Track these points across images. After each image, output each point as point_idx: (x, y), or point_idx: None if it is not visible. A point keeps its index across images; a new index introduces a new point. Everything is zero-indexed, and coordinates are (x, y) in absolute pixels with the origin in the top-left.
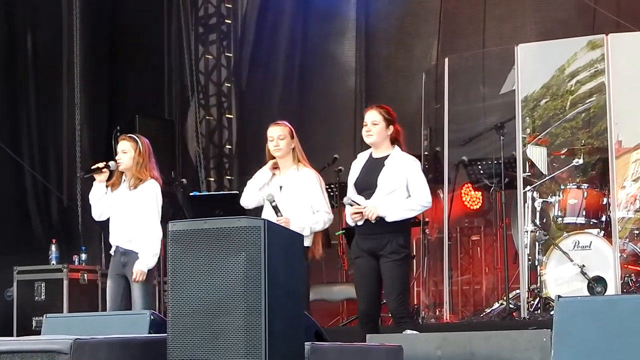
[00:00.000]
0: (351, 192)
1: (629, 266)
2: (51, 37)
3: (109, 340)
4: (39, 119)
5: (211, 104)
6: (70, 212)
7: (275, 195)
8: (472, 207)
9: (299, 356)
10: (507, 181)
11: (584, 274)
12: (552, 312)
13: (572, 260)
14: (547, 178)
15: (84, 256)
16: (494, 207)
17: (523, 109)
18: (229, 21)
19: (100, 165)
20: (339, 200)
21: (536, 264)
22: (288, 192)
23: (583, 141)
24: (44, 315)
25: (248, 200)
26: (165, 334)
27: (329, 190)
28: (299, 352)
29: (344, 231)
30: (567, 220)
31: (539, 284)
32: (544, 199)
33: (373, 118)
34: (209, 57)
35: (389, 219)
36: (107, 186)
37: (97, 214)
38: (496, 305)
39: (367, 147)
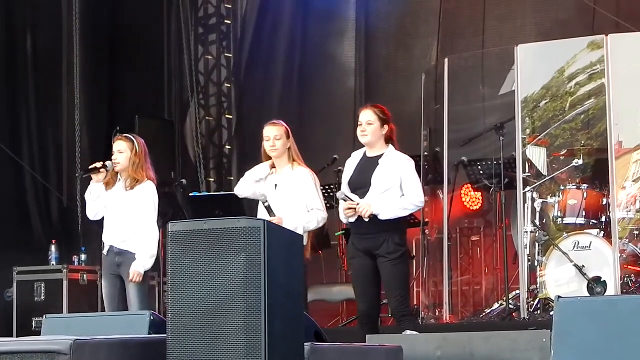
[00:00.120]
0: (345, 189)
1: (629, 267)
2: (51, 37)
3: (108, 341)
4: (39, 119)
5: (211, 105)
6: (70, 212)
7: (271, 193)
8: (472, 208)
9: (298, 357)
10: (506, 182)
11: (583, 274)
12: (552, 313)
13: (572, 261)
14: (547, 179)
15: (83, 257)
16: (494, 208)
17: (523, 109)
18: (229, 22)
19: (98, 165)
20: (338, 201)
21: (536, 264)
22: (283, 191)
23: (583, 142)
24: (44, 316)
25: (242, 189)
26: (165, 335)
27: (329, 190)
28: (298, 353)
29: (343, 232)
30: (567, 220)
31: (538, 285)
32: (544, 200)
33: (368, 118)
34: (209, 57)
35: (382, 217)
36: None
37: (93, 214)
38: (496, 305)
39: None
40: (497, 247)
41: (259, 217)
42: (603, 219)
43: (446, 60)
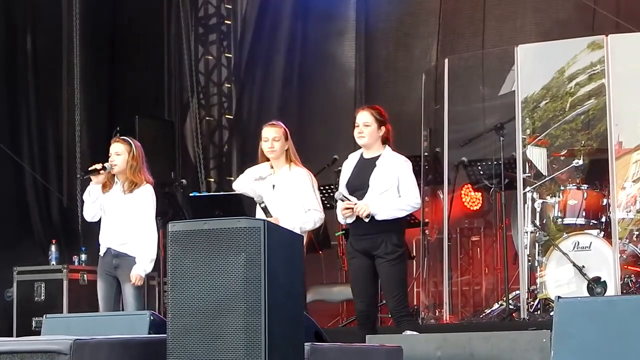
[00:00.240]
0: (343, 190)
1: (629, 267)
2: (51, 37)
3: (108, 341)
4: (39, 119)
5: (211, 104)
6: (70, 212)
7: (268, 194)
8: (472, 208)
9: (298, 357)
10: (506, 182)
11: (583, 274)
12: (551, 313)
13: (572, 261)
14: (547, 179)
15: (83, 256)
16: (494, 208)
17: (523, 110)
18: (229, 22)
19: (98, 166)
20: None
21: (536, 264)
22: (280, 192)
23: (583, 142)
24: (44, 316)
25: (240, 185)
26: (165, 335)
27: (329, 190)
28: (298, 353)
29: (343, 232)
30: (566, 221)
31: (538, 285)
32: (544, 200)
33: (365, 119)
34: (209, 57)
35: (378, 217)
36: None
37: (90, 215)
38: (496, 306)
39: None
40: (497, 247)
41: (256, 216)
42: (603, 219)
43: (446, 61)
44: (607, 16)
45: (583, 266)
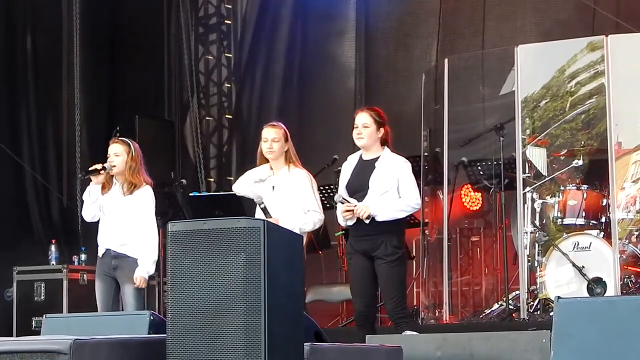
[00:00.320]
0: (343, 192)
1: (629, 267)
2: (51, 37)
3: (108, 341)
4: (39, 119)
5: (211, 104)
6: (70, 212)
7: (268, 195)
8: (471, 208)
9: (298, 357)
10: (506, 182)
11: (583, 275)
12: (551, 313)
13: (571, 262)
14: (546, 179)
15: (83, 256)
16: (494, 208)
17: (523, 110)
18: (229, 21)
19: (98, 167)
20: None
21: (536, 265)
22: (280, 193)
23: (583, 142)
24: (44, 316)
25: (240, 187)
26: (165, 335)
27: (329, 191)
28: (298, 353)
29: (343, 232)
30: (566, 221)
31: (538, 285)
32: (544, 200)
33: (364, 121)
34: (209, 57)
35: (379, 218)
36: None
37: (90, 216)
38: (496, 306)
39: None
40: (496, 247)
41: (255, 217)
42: (603, 220)
43: (446, 61)
44: (607, 16)
45: (583, 266)
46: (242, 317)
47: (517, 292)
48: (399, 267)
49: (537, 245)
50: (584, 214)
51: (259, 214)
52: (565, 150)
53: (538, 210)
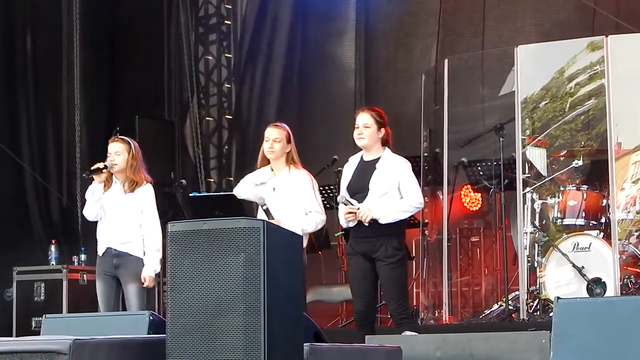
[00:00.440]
0: (345, 193)
1: (628, 268)
2: (51, 37)
3: (108, 341)
4: (39, 119)
5: (211, 105)
6: (70, 212)
7: (269, 196)
8: (471, 209)
9: (298, 357)
10: (506, 182)
11: (583, 275)
12: (551, 314)
13: (571, 262)
14: (546, 179)
15: (83, 257)
16: (494, 209)
17: (522, 110)
18: (229, 22)
19: (101, 165)
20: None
21: (535, 265)
22: (280, 194)
23: (582, 143)
24: (44, 316)
25: (242, 190)
26: (165, 335)
27: (329, 191)
28: (298, 353)
29: (343, 232)
30: (566, 221)
31: (538, 286)
32: (544, 201)
33: (365, 121)
34: (209, 57)
35: (382, 220)
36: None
37: (93, 214)
38: (495, 306)
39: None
40: (496, 248)
41: (257, 218)
42: (602, 220)
43: (446, 61)
44: (607, 17)
45: (582, 267)
46: (241, 317)
47: (517, 292)
48: (400, 269)
49: (536, 245)
50: (583, 215)
51: (261, 215)
52: (565, 151)
53: (538, 210)
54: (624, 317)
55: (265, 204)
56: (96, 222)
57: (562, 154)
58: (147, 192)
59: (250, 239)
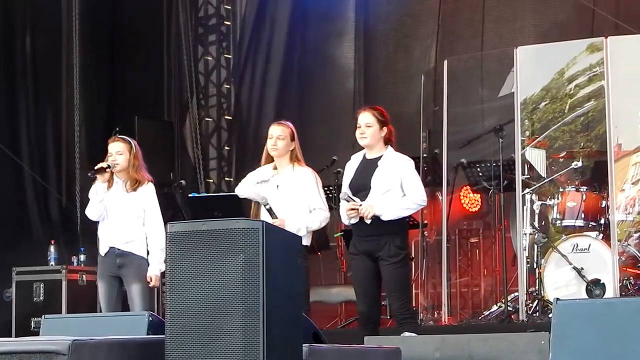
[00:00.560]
0: (347, 190)
1: (628, 269)
2: (50, 37)
3: (107, 341)
4: (38, 119)
5: (210, 105)
6: (70, 212)
7: (272, 194)
8: (470, 210)
9: (297, 358)
10: (505, 183)
11: (582, 276)
12: (550, 315)
13: (570, 263)
14: (546, 181)
15: (82, 257)
16: (493, 210)
17: (522, 111)
18: (229, 22)
19: (104, 165)
20: (337, 202)
21: (535, 266)
22: (284, 192)
23: (582, 144)
24: (43, 316)
25: (243, 189)
26: (164, 336)
27: (328, 192)
28: (297, 354)
29: (342, 233)
30: (565, 223)
31: (537, 287)
32: (543, 202)
33: (367, 120)
34: (209, 58)
35: (384, 217)
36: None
37: (97, 215)
38: (495, 307)
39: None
40: (495, 249)
41: (261, 219)
42: (602, 221)
43: (445, 62)
44: (607, 17)
45: (582, 268)
46: (240, 318)
47: (516, 293)
48: (403, 268)
49: (536, 246)
50: (583, 216)
51: (264, 215)
52: (565, 152)
53: (537, 211)
54: (623, 319)
55: (268, 204)
56: (95, 223)
57: (561, 155)
58: (149, 191)
59: (249, 239)
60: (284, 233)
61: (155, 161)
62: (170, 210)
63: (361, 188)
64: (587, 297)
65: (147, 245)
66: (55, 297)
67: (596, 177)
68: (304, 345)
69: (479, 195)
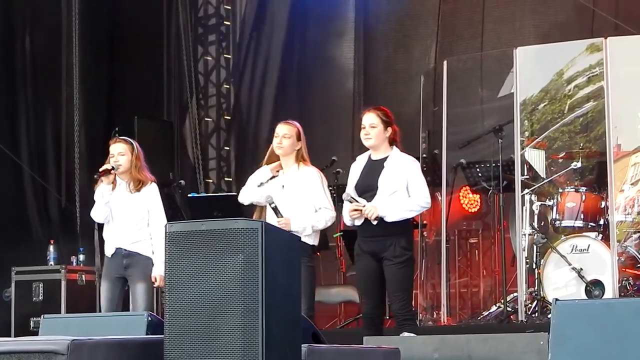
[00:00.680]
0: (351, 191)
1: (627, 270)
2: (50, 37)
3: (106, 341)
4: (38, 119)
5: (210, 105)
6: (69, 212)
7: (278, 194)
8: (470, 210)
9: (296, 358)
10: (505, 184)
11: (581, 277)
12: (549, 316)
13: (569, 264)
14: (545, 181)
15: (82, 257)
16: (492, 210)
17: (521, 112)
18: (228, 22)
19: (108, 166)
20: (337, 202)
21: (534, 267)
22: (290, 191)
23: (581, 145)
24: (42, 316)
25: (246, 196)
26: (163, 336)
27: None
28: (296, 354)
29: (341, 233)
30: (565, 223)
31: (536, 287)
32: (542, 202)
33: (371, 121)
34: (208, 58)
35: (388, 219)
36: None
37: (103, 217)
38: (494, 308)
39: (365, 149)
40: (495, 249)
41: (267, 218)
42: (601, 222)
43: (445, 62)
44: (606, 18)
45: (581, 269)
46: (239, 317)
47: (515, 294)
48: (407, 269)
49: (535, 247)
50: (582, 216)
51: (270, 215)
52: (564, 153)
53: (536, 212)
54: (623, 319)
55: (273, 202)
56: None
57: (560, 155)
58: (153, 191)
59: (248, 239)
60: (283, 233)
61: (154, 161)
62: (170, 210)
63: (368, 189)
64: (586, 297)
65: (152, 246)
66: (54, 297)
67: (595, 178)
68: (303, 345)
69: (478, 196)
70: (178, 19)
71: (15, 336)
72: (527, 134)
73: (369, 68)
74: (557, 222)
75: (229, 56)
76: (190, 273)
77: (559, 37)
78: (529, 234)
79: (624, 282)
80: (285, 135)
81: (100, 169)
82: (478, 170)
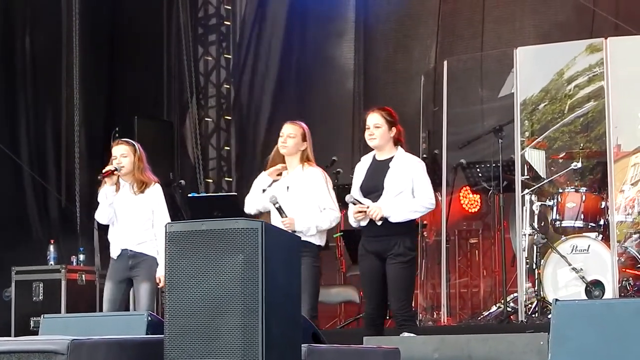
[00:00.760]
0: (356, 193)
1: (627, 270)
2: (50, 37)
3: (106, 341)
4: (38, 119)
5: (210, 105)
6: (69, 212)
7: (283, 195)
8: (470, 210)
9: (296, 358)
10: (505, 184)
11: (581, 277)
12: (549, 316)
13: (570, 264)
14: (545, 181)
15: (82, 257)
16: (492, 210)
17: (522, 112)
18: (228, 23)
19: (111, 168)
20: (338, 202)
21: (534, 267)
22: (294, 192)
23: (581, 145)
24: (42, 316)
25: (252, 204)
26: (163, 335)
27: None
28: (296, 354)
29: (341, 233)
30: (565, 223)
31: (536, 288)
32: (542, 202)
33: (375, 121)
34: (208, 58)
35: (392, 219)
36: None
37: (107, 218)
38: (494, 308)
39: (367, 149)
40: (495, 249)
41: (271, 218)
42: (601, 222)
43: (445, 62)
44: (607, 18)
45: (581, 269)
46: (239, 317)
47: (515, 294)
48: (410, 269)
49: (535, 247)
50: (582, 217)
51: (274, 214)
52: (564, 153)
53: (536, 212)
54: (623, 319)
55: (277, 202)
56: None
57: (560, 155)
58: (157, 192)
59: (248, 239)
60: (283, 233)
61: (154, 161)
62: (170, 210)
63: (373, 190)
64: (586, 297)
65: (157, 246)
66: (54, 296)
67: (596, 178)
68: (303, 345)
69: (478, 196)
70: (178, 19)
71: (15, 336)
72: (527, 134)
73: (369, 68)
74: (557, 222)
75: (229, 56)
76: (190, 273)
77: (559, 37)
78: (529, 234)
79: (624, 282)
80: (290, 135)
81: (104, 170)
82: (478, 170)
